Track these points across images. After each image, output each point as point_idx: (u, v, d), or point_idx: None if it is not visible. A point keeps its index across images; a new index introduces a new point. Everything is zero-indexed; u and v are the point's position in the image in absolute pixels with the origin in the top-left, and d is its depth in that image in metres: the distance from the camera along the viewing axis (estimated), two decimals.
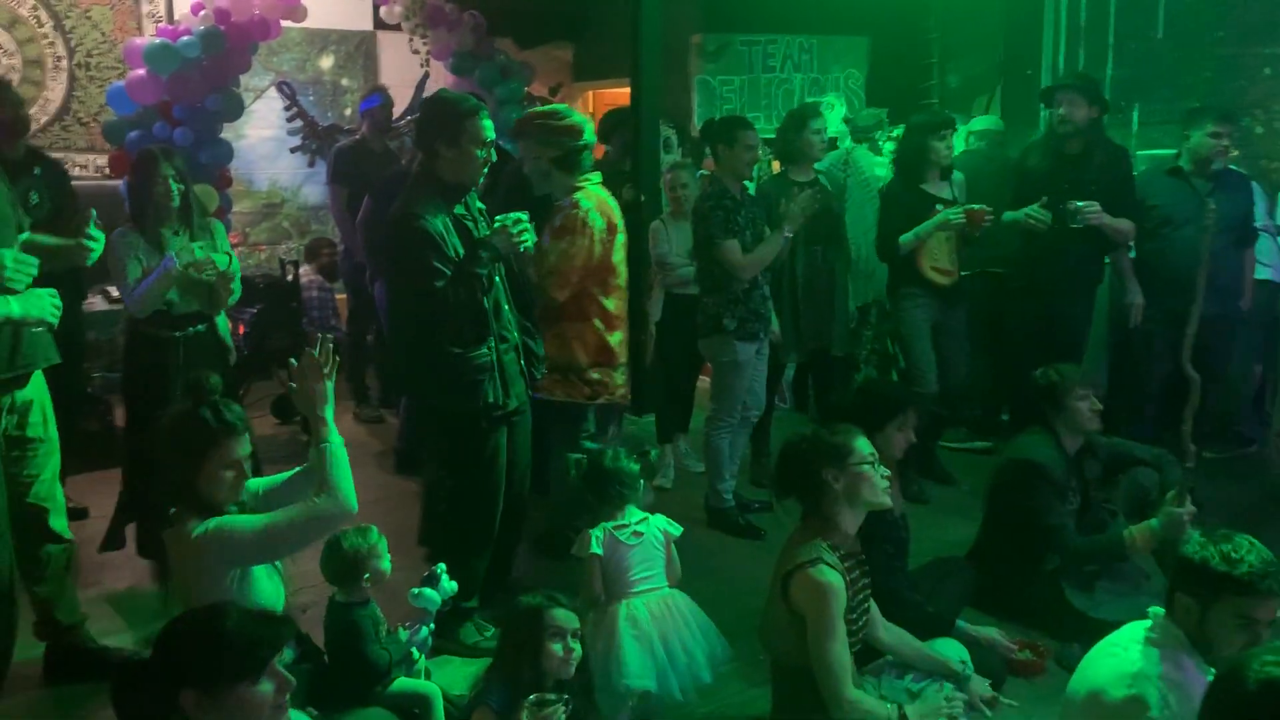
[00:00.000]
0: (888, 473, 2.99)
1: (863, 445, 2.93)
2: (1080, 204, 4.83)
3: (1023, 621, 3.70)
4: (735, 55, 7.92)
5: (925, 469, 5.32)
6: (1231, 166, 5.60)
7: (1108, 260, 5.32)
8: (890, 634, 3.10)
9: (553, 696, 2.49)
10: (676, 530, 3.38)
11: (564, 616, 2.63)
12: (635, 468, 3.40)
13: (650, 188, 5.35)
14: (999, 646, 3.42)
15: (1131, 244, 5.13)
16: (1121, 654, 2.32)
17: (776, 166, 5.53)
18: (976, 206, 4.97)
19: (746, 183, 4.90)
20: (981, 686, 3.04)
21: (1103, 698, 2.28)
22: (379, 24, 8.27)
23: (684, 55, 7.97)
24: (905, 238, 5.02)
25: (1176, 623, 2.29)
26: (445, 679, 3.34)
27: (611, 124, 5.86)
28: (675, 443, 5.67)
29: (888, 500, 2.99)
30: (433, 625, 3.14)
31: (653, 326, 5.53)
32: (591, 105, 9.15)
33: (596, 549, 3.23)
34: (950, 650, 3.12)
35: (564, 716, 2.47)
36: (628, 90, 5.40)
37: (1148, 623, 2.36)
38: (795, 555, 2.87)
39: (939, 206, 5.03)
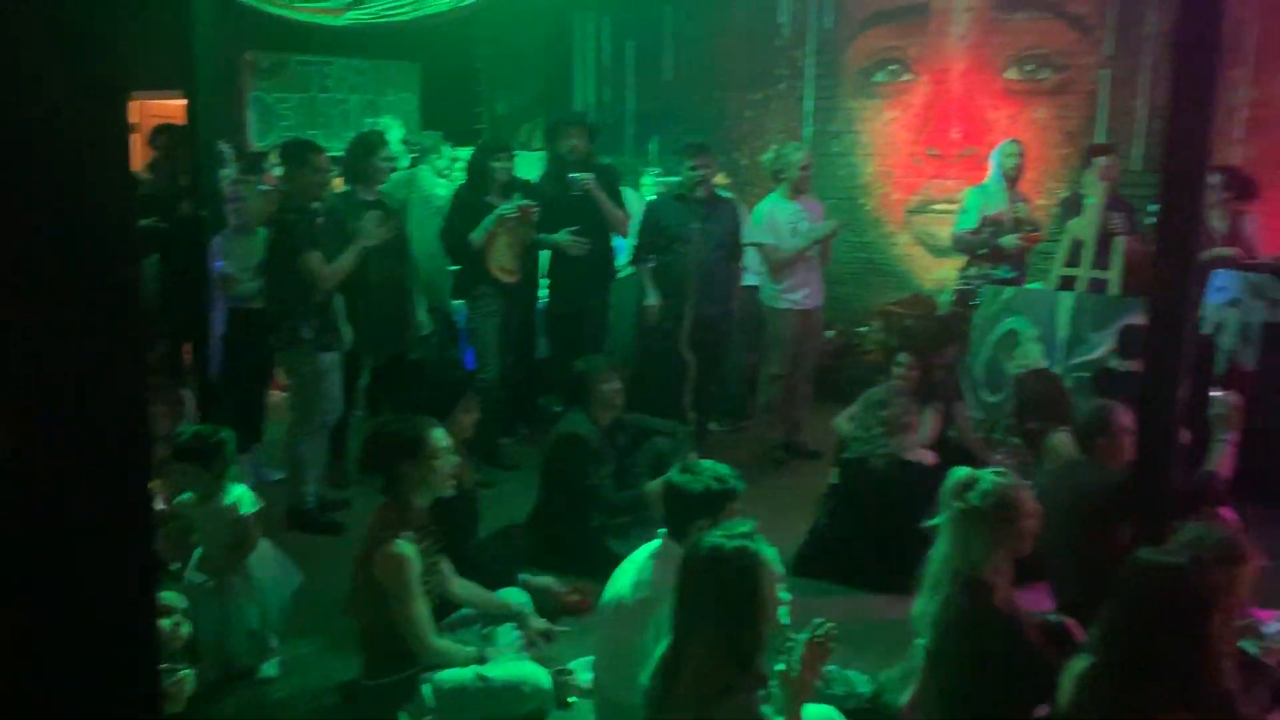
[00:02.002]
0: (456, 460, 3.53)
1: (437, 437, 3.44)
2: (579, 175, 5.93)
3: (575, 570, 4.40)
4: (292, 74, 8.09)
5: (490, 457, 5.95)
6: (722, 193, 6.87)
7: (633, 268, 6.35)
8: (464, 589, 3.65)
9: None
10: None
11: (170, 597, 2.87)
12: None
13: (210, 203, 5.46)
14: (554, 592, 4.11)
15: (653, 255, 6.15)
16: (634, 568, 3.05)
17: (339, 184, 5.89)
18: (525, 202, 5.81)
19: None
20: (539, 623, 3.69)
21: (624, 602, 2.98)
22: None
23: (236, 72, 7.98)
24: (475, 234, 5.75)
25: (675, 540, 3.06)
26: None
27: (167, 139, 5.85)
28: (251, 453, 5.79)
29: (451, 489, 3.52)
30: None
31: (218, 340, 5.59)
32: (139, 115, 8.76)
33: None
34: (514, 597, 3.75)
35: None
36: (177, 102, 5.46)
37: (657, 543, 3.11)
38: (375, 534, 3.31)
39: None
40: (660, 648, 2.43)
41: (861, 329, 7.84)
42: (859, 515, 4.44)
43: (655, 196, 7.06)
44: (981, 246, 6.47)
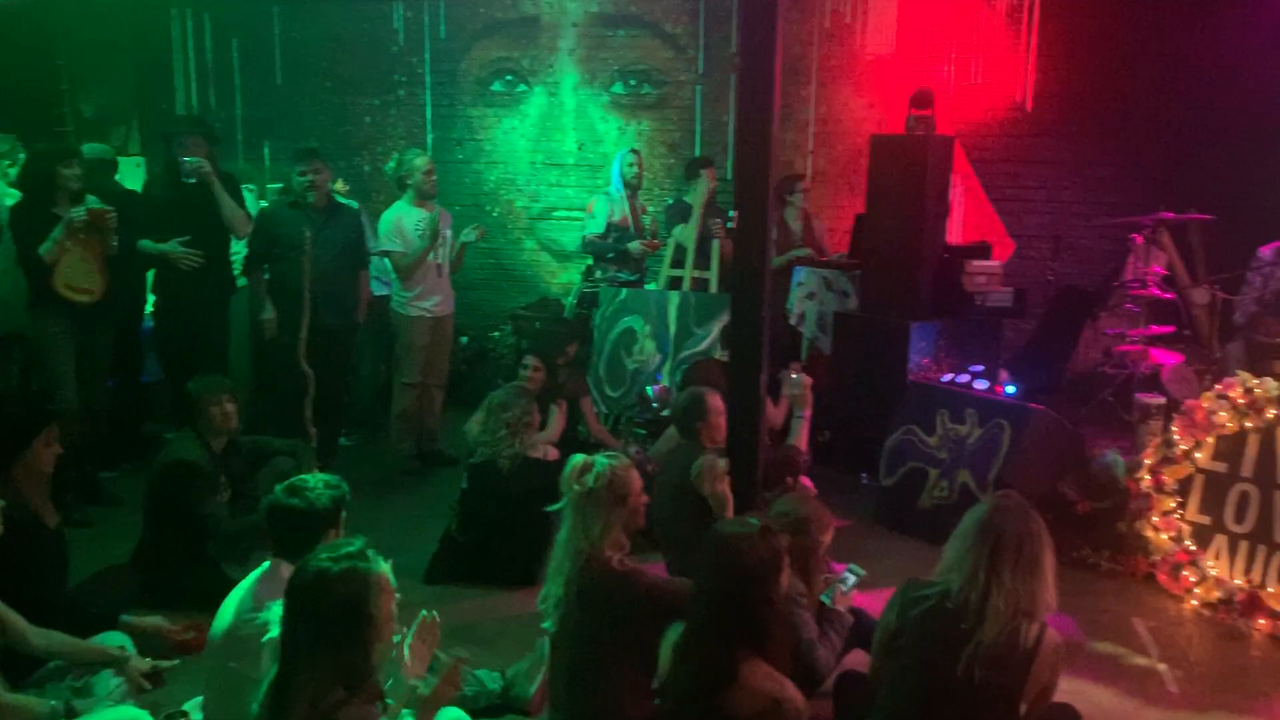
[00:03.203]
0: None
1: None
2: (191, 160, 5.49)
3: (189, 606, 4.08)
4: None
5: (89, 495, 5.40)
6: (343, 200, 6.70)
7: (244, 280, 6.02)
8: (44, 639, 3.29)
9: None
10: None
11: None
12: None
13: None
14: (164, 631, 3.81)
15: (266, 265, 5.86)
16: (240, 595, 2.91)
17: None
18: (99, 206, 5.22)
19: None
20: (142, 665, 3.42)
21: (231, 631, 2.84)
22: None
23: None
24: (43, 248, 5.08)
25: (285, 560, 2.95)
26: None
27: None
28: None
29: None
30: None
31: None
32: None
33: None
34: (113, 641, 3.44)
35: None
36: None
37: (265, 566, 2.99)
38: None
39: None
40: (269, 675, 2.34)
41: (494, 334, 7.98)
42: (488, 517, 4.52)
43: (267, 204, 6.74)
44: (609, 250, 6.81)
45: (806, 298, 6.79)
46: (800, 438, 4.25)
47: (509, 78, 8.48)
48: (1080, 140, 7.50)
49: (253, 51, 8.74)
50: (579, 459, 3.11)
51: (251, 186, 7.36)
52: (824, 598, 3.48)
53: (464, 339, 7.79)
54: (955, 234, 7.35)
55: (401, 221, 6.08)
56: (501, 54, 8.45)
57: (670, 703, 2.60)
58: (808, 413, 4.28)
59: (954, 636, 2.60)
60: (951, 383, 5.62)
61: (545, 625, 3.13)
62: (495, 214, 8.65)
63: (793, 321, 6.82)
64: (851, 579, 3.54)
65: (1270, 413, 4.39)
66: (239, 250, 6.09)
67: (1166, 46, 6.83)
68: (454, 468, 6.00)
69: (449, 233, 6.24)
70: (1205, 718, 3.60)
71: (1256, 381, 4.47)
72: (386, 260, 6.24)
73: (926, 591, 2.72)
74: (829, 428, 6.18)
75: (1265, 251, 5.48)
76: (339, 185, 6.88)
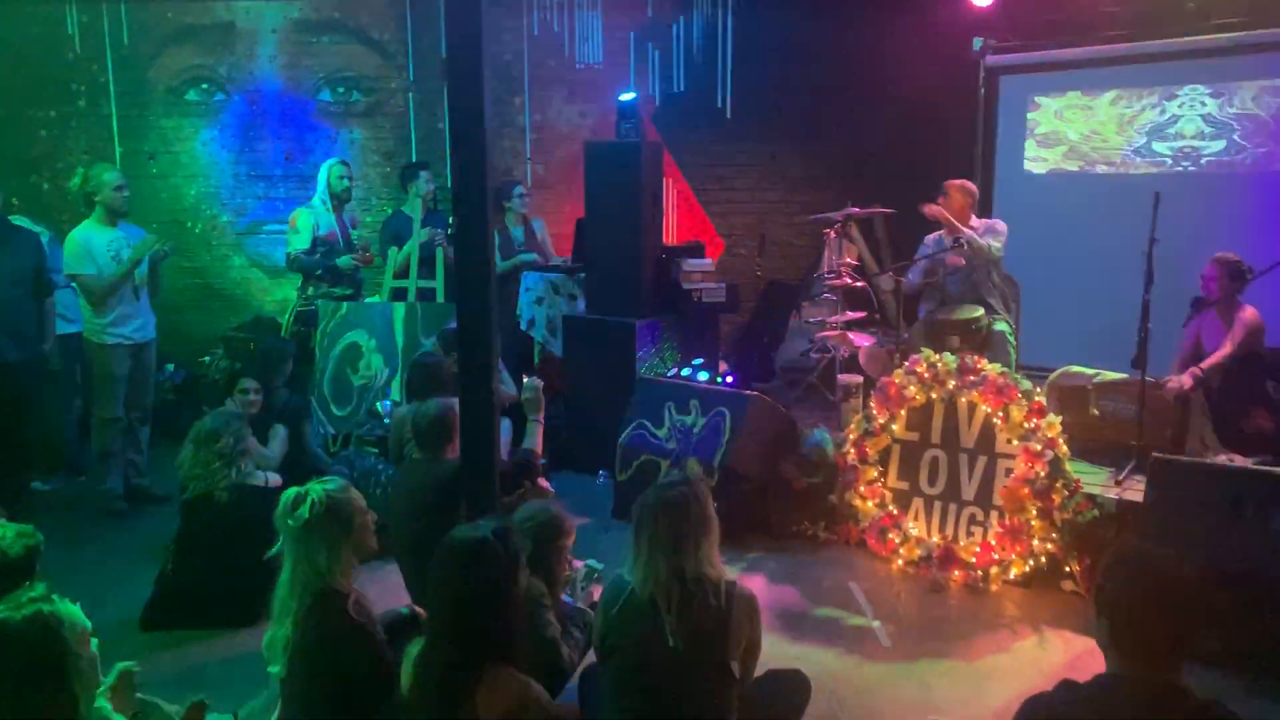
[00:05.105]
0: None
1: None
2: None
3: None
4: None
5: None
6: (20, 221, 6.06)
7: None
8: None
9: None
10: None
11: None
12: None
13: None
14: None
15: None
16: None
17: None
18: None
19: None
20: None
21: None
22: None
23: None
24: None
25: None
26: None
27: None
28: None
29: None
30: None
31: None
32: None
33: None
34: None
35: None
36: None
37: None
38: None
39: None
40: None
41: (204, 359, 7.48)
42: (208, 554, 4.22)
43: None
44: (317, 267, 6.54)
45: (535, 303, 6.86)
46: (536, 441, 4.28)
47: (205, 86, 7.99)
48: (776, 144, 8.05)
49: None
50: (291, 493, 2.95)
51: None
52: (566, 596, 3.53)
53: (169, 366, 7.26)
54: (670, 235, 7.69)
55: (91, 242, 5.58)
56: (195, 61, 7.94)
57: (414, 717, 2.54)
58: (541, 416, 4.32)
59: (648, 619, 2.69)
60: (676, 376, 5.87)
61: (273, 669, 2.95)
62: (198, 230, 8.12)
63: (523, 327, 6.87)
64: (588, 572, 3.61)
65: (951, 384, 4.90)
66: None
67: (848, 53, 7.45)
68: (165, 505, 5.57)
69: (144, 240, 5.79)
70: (915, 666, 3.96)
71: (937, 357, 4.98)
72: (71, 292, 5.70)
73: (621, 585, 2.82)
74: (566, 430, 6.28)
75: (929, 239, 6.11)
76: (14, 203, 6.22)
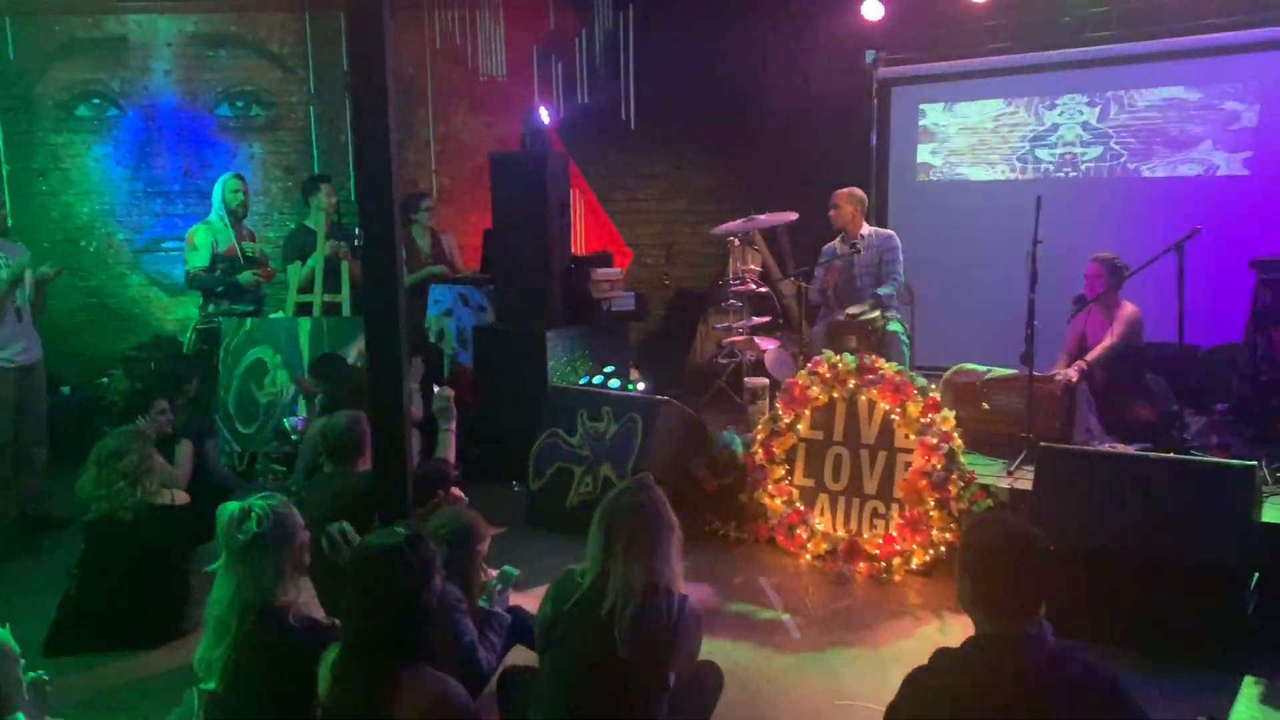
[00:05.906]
0: None
1: None
2: None
3: None
4: None
5: None
6: None
7: None
8: None
9: None
10: None
11: None
12: None
13: None
14: None
15: None
16: None
17: None
18: None
19: None
20: None
21: None
22: None
23: None
24: None
25: None
26: None
27: None
28: None
29: None
30: None
31: None
32: None
33: None
34: None
35: None
36: None
37: None
38: None
39: None
40: None
41: (103, 379, 7.28)
42: (115, 575, 4.13)
43: None
44: (218, 284, 6.43)
45: (444, 314, 6.86)
46: (448, 450, 4.29)
47: (96, 101, 7.79)
48: (680, 154, 8.19)
49: None
50: (233, 507, 2.93)
51: None
52: (482, 601, 3.57)
53: (65, 389, 7.05)
54: (578, 245, 7.76)
55: None
56: (86, 75, 7.74)
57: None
58: (453, 425, 4.34)
59: (599, 621, 2.75)
60: (589, 384, 5.94)
61: (207, 686, 2.91)
62: (93, 249, 7.90)
63: (432, 339, 6.86)
64: (505, 577, 3.65)
65: (851, 383, 5.08)
66: None
67: (748, 66, 7.64)
68: (65, 529, 5.41)
69: (28, 273, 5.59)
70: (823, 655, 4.09)
71: (837, 357, 5.15)
72: None
73: (578, 581, 2.88)
74: (479, 441, 6.28)
75: (827, 248, 6.31)
76: None
